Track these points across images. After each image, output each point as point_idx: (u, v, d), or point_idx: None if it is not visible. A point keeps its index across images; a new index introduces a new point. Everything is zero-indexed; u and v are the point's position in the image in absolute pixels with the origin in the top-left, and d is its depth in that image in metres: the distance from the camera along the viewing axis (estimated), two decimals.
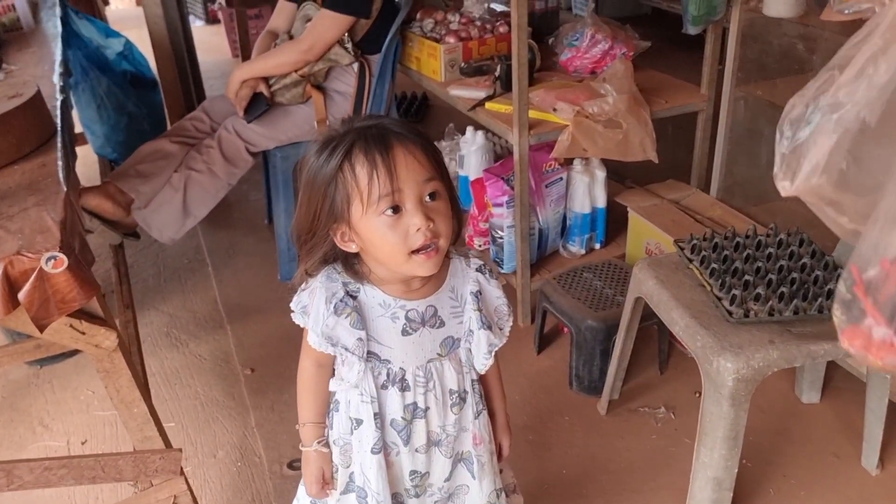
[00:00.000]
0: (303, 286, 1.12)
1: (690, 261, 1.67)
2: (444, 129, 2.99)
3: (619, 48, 2.33)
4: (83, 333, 1.16)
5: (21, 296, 1.05)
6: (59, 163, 1.38)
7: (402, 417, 1.12)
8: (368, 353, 1.08)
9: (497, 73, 2.22)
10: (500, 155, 2.63)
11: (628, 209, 2.26)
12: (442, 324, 1.11)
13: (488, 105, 2.18)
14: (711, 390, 1.46)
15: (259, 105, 2.33)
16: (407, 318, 1.08)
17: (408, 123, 1.03)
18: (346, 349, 1.06)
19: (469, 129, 2.53)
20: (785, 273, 1.59)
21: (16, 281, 1.05)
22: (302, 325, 1.10)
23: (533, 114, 2.04)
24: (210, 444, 1.93)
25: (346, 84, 2.42)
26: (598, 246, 2.37)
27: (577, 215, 2.28)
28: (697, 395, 1.97)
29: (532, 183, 2.14)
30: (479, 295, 1.12)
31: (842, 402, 1.94)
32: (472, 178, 2.46)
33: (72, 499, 1.77)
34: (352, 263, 1.07)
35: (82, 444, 1.95)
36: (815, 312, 1.48)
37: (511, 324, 1.17)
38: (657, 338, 2.06)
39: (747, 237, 1.71)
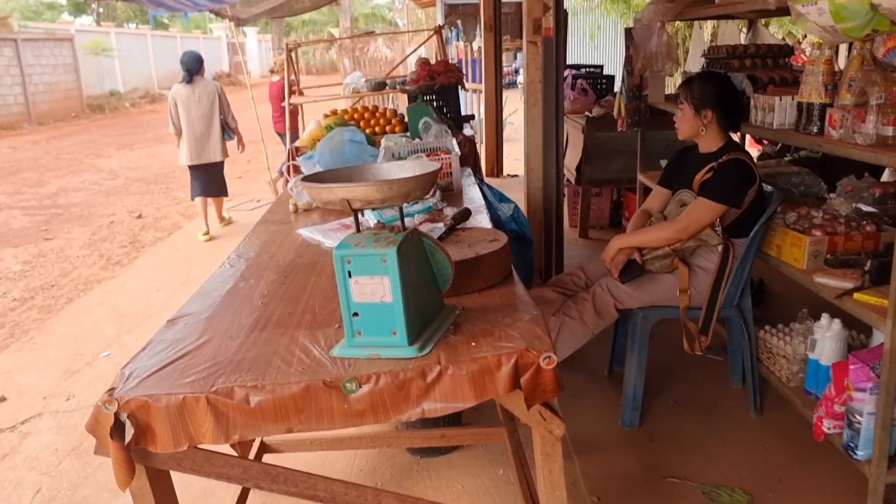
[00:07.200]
0: None
1: None
2: (778, 313, 3.12)
3: None
4: (544, 419, 1.52)
5: (522, 381, 1.45)
6: (519, 290, 1.85)
7: None
8: None
9: (867, 267, 2.37)
10: (851, 346, 2.70)
11: None
12: None
13: (857, 295, 2.32)
14: None
15: (633, 270, 2.72)
16: None
17: None
18: None
19: (825, 316, 2.65)
20: None
21: (520, 369, 1.46)
22: None
23: None
24: None
25: (709, 262, 2.72)
26: None
27: None
28: None
29: None
30: None
31: None
32: (822, 362, 2.57)
33: None
34: None
35: None
36: None
37: None
38: None
39: None
